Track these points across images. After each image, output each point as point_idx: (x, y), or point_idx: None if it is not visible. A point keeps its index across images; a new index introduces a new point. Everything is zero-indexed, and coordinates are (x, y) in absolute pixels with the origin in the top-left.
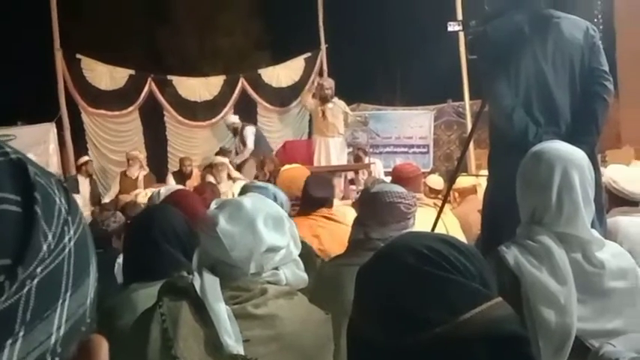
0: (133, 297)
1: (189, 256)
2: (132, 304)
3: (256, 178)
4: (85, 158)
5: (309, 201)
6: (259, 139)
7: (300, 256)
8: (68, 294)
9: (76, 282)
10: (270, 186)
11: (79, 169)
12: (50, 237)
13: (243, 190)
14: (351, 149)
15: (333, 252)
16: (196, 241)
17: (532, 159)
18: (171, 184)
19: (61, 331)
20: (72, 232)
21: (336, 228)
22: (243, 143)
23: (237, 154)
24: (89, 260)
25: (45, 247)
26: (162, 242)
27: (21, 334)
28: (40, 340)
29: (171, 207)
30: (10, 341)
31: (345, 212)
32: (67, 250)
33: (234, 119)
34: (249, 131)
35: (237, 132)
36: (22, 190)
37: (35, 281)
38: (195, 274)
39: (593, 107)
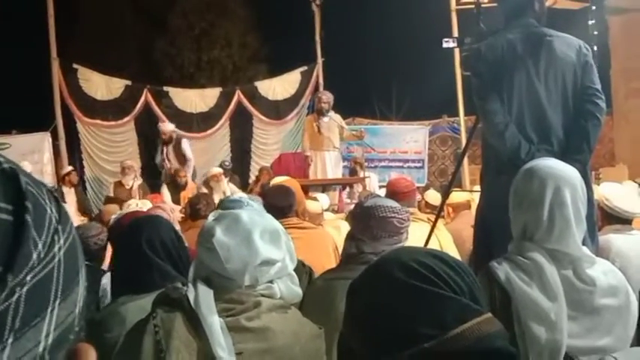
0: (121, 310)
1: (177, 267)
2: (120, 316)
3: (251, 190)
4: (69, 169)
5: (270, 211)
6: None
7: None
8: (57, 302)
9: (65, 290)
10: (244, 198)
11: (62, 179)
12: (40, 245)
13: (220, 205)
14: (346, 163)
15: (311, 261)
16: (185, 252)
17: (524, 176)
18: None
19: (50, 339)
20: (62, 241)
21: (307, 236)
22: (182, 155)
23: (163, 164)
24: (78, 269)
25: (35, 256)
26: (150, 254)
27: (10, 340)
28: (28, 347)
29: (160, 217)
30: None
31: (339, 226)
32: (56, 258)
33: (172, 127)
34: (187, 143)
35: (171, 141)
36: (14, 198)
37: (25, 289)
38: (190, 285)
39: (586, 125)
